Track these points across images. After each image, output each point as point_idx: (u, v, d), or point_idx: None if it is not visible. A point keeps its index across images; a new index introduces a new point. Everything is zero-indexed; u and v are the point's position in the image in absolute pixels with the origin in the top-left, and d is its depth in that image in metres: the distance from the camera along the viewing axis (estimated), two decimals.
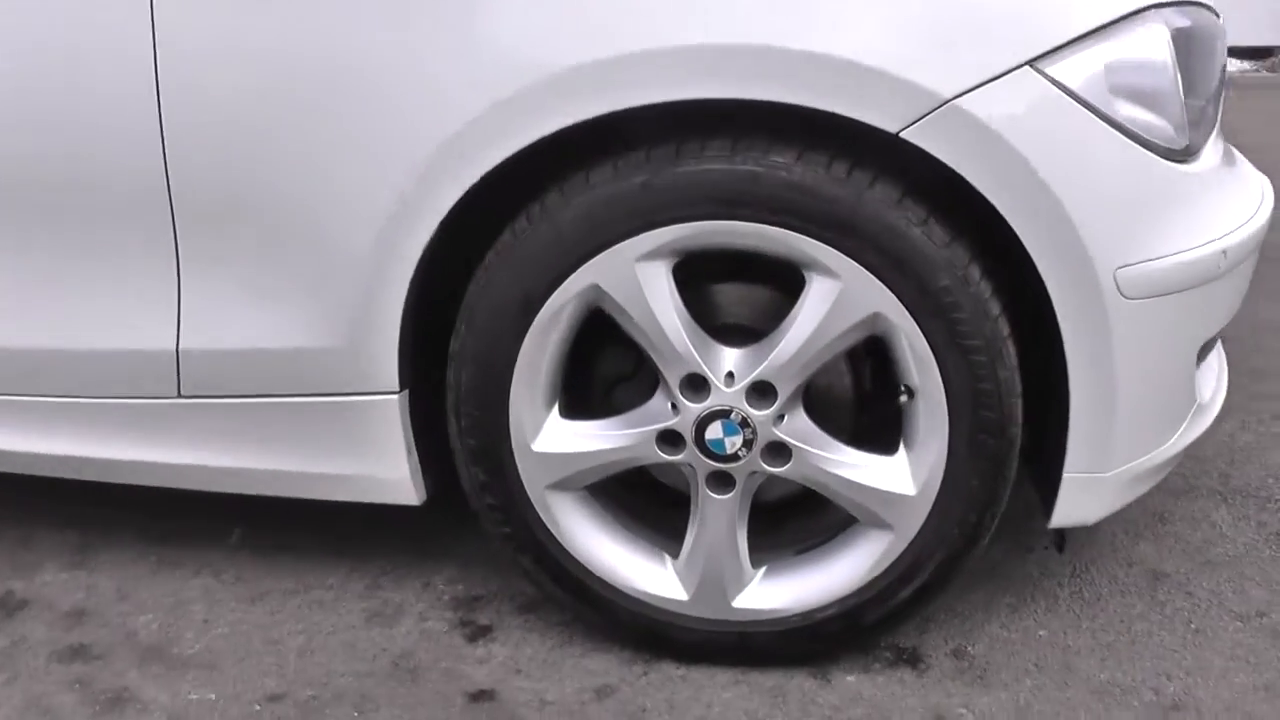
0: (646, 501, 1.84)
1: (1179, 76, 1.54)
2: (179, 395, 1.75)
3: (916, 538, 1.63)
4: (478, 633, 1.85)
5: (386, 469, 1.74)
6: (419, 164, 1.53)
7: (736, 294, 1.69)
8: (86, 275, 1.73)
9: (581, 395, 1.79)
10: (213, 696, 1.72)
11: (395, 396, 1.68)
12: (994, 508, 1.61)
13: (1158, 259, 1.52)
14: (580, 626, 1.84)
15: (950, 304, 1.50)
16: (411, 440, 1.72)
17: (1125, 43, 1.49)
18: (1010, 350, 1.53)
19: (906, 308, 1.50)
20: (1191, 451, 2.35)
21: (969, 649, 1.79)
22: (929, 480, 1.59)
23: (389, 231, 1.57)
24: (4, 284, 1.78)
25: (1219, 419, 2.44)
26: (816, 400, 1.66)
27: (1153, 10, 1.52)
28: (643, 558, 1.75)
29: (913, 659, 1.77)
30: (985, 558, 2.00)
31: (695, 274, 1.62)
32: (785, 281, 1.62)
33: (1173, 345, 1.59)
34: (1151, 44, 1.51)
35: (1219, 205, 1.64)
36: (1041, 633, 1.83)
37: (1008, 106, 1.42)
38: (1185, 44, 1.56)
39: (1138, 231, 1.51)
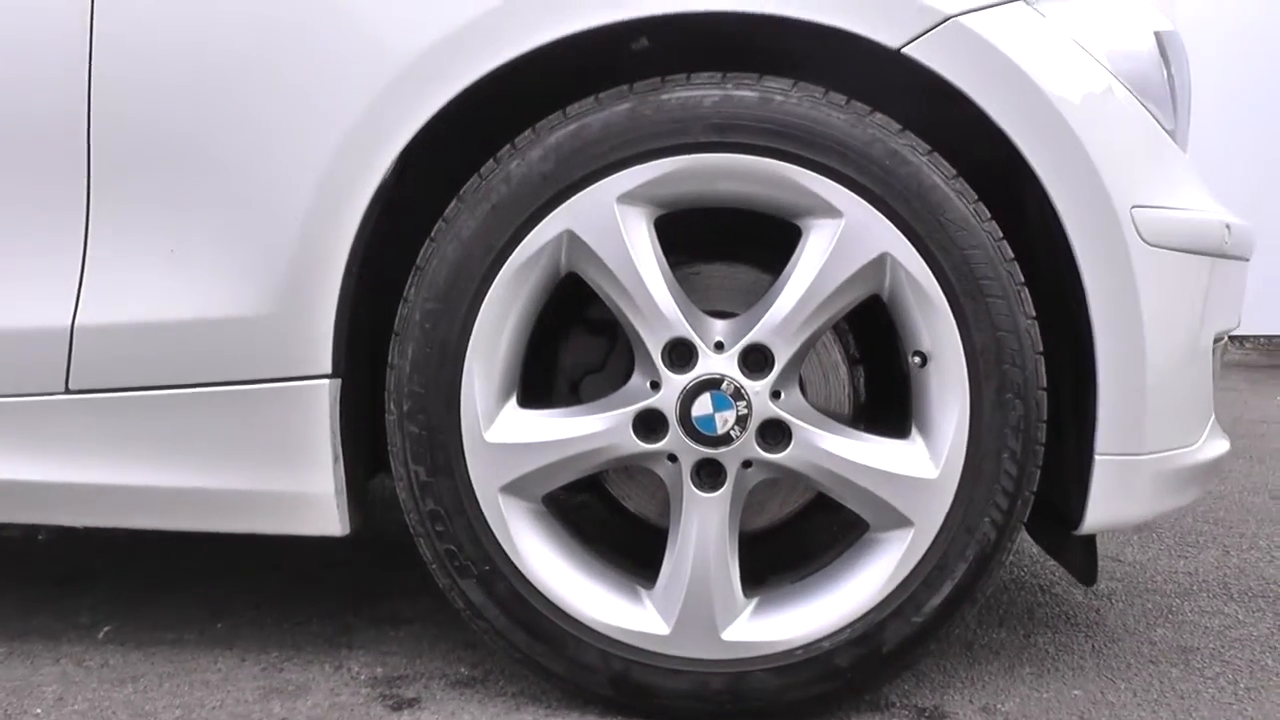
0: (614, 536, 1.58)
1: (1165, 68, 1.53)
2: (66, 390, 1.46)
3: (941, 531, 1.39)
4: (403, 704, 1.49)
5: (307, 481, 1.44)
6: (378, 85, 1.38)
7: (719, 275, 1.53)
8: None
9: (542, 393, 1.56)
10: None
11: (326, 382, 1.43)
12: (1026, 488, 1.39)
13: (1171, 208, 1.43)
14: (530, 696, 1.50)
15: (963, 238, 1.36)
16: (339, 446, 1.45)
17: (1116, 33, 1.48)
18: (1028, 298, 1.39)
19: (916, 246, 1.37)
20: (1184, 568, 2.19)
21: (999, 706, 1.51)
22: (951, 458, 1.38)
23: (336, 172, 1.39)
24: None
25: (1200, 548, 2.32)
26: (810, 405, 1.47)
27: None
28: (612, 589, 1.46)
29: (936, 715, 1.47)
30: (990, 639, 1.75)
31: (676, 262, 1.47)
32: (770, 263, 1.48)
33: (1192, 316, 1.47)
34: (1139, 35, 1.51)
35: (1209, 195, 1.60)
36: (1076, 693, 1.55)
37: (1011, 30, 1.37)
38: (1163, 48, 1.57)
39: (1150, 176, 1.43)
